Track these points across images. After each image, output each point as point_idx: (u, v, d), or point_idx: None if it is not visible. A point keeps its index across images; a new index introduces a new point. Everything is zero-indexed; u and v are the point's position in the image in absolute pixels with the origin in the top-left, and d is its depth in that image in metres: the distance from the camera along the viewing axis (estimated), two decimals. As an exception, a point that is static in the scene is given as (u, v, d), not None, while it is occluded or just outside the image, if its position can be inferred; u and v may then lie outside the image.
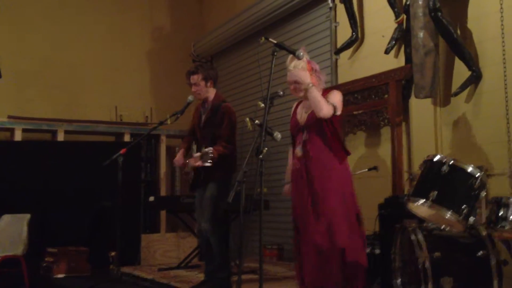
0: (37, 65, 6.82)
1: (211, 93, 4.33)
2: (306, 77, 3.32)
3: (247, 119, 3.45)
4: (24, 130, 6.43)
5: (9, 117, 6.47)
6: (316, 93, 3.29)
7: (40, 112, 6.66)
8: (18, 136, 6.38)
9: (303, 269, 3.37)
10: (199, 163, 3.98)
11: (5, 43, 6.61)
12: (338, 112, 3.38)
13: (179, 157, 4.35)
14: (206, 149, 3.93)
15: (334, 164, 3.35)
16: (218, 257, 4.14)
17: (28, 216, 4.95)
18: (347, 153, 3.47)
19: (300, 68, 3.39)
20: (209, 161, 3.90)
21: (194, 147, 4.30)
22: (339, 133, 3.44)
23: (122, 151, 4.30)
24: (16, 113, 6.52)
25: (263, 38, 3.32)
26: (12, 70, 6.60)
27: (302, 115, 3.48)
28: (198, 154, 4.04)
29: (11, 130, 6.43)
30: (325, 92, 3.44)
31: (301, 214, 3.39)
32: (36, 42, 6.85)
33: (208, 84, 4.29)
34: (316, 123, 3.35)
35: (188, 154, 4.37)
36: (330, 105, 3.30)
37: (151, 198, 5.85)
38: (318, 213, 3.29)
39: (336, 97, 3.40)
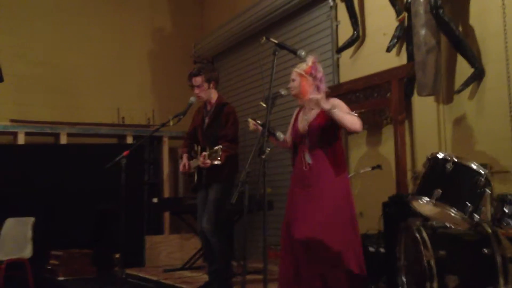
0: (38, 68, 6.83)
1: (213, 94, 4.32)
2: (327, 103, 3.21)
3: (249, 119, 3.45)
4: (26, 134, 6.45)
5: (12, 120, 6.49)
6: (339, 114, 3.21)
7: (42, 116, 6.67)
8: (21, 139, 6.39)
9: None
10: (207, 161, 3.92)
11: (6, 47, 6.61)
12: None
13: (185, 163, 4.30)
14: (216, 147, 3.86)
15: (330, 175, 3.31)
16: (220, 258, 4.13)
17: (32, 219, 4.96)
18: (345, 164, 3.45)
19: (299, 71, 3.41)
20: (218, 158, 3.84)
21: (198, 148, 4.27)
22: (341, 144, 3.43)
23: (125, 153, 4.27)
24: (19, 116, 6.54)
25: (264, 38, 3.32)
26: (13, 74, 6.61)
27: (302, 123, 3.47)
28: (205, 153, 3.98)
29: (14, 134, 6.45)
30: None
31: (291, 220, 3.37)
32: (37, 46, 6.86)
33: (211, 85, 4.27)
34: (317, 132, 3.34)
35: (191, 157, 4.34)
36: (353, 115, 3.29)
37: (155, 200, 5.84)
38: (306, 221, 3.27)
39: (346, 108, 3.36)
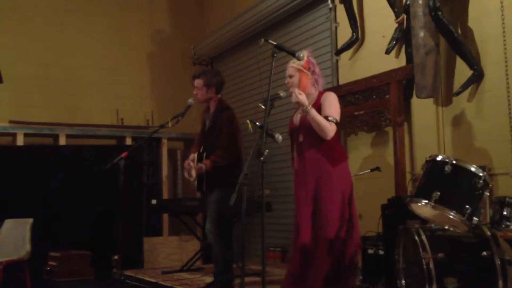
0: (37, 69, 6.82)
1: (213, 100, 4.34)
2: (304, 100, 3.23)
3: (248, 121, 3.43)
4: (26, 135, 6.44)
5: (11, 122, 6.48)
6: (315, 116, 3.21)
7: (41, 117, 6.67)
8: (20, 140, 6.38)
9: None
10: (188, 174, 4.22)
11: (5, 48, 6.61)
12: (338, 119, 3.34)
13: (189, 162, 4.33)
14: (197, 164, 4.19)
15: (329, 165, 3.28)
16: (221, 260, 4.14)
17: (30, 220, 4.93)
18: (345, 155, 3.42)
19: (296, 66, 3.38)
20: (191, 173, 4.17)
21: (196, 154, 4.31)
22: (337, 135, 3.37)
23: (124, 154, 4.29)
24: (18, 118, 6.53)
25: (262, 40, 3.30)
26: (12, 75, 6.60)
27: (297, 116, 3.46)
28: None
29: (13, 135, 6.44)
30: (321, 94, 3.41)
31: (300, 215, 3.37)
32: (36, 47, 6.85)
33: (209, 90, 4.30)
34: (309, 125, 3.29)
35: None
36: (331, 123, 3.26)
37: (153, 201, 5.83)
38: (313, 213, 3.27)
39: (334, 107, 3.32)
